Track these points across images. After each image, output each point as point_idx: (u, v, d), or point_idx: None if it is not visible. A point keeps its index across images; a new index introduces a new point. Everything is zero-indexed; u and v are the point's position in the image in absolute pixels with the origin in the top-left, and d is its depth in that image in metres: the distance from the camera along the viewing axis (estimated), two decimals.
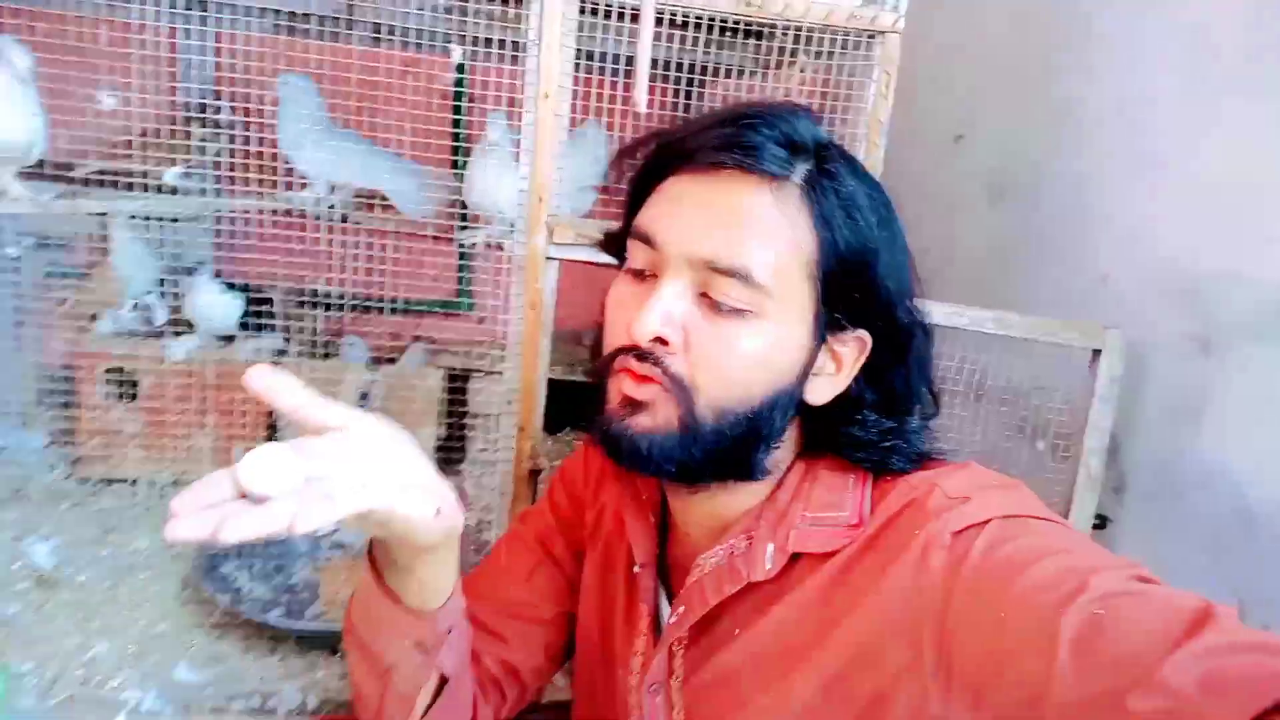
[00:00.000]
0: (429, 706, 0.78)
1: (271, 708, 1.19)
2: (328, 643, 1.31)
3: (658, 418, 0.66)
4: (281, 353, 1.80)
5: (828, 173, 0.67)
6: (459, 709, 0.81)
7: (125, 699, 1.16)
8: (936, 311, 1.23)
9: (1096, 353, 1.23)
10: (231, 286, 1.76)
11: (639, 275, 0.70)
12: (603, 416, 0.69)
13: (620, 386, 0.68)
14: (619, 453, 0.68)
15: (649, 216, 0.69)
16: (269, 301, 1.83)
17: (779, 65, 1.50)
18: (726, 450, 0.67)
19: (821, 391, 0.70)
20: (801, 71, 1.27)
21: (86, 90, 1.48)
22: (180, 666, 1.23)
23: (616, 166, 0.79)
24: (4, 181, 1.34)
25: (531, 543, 0.93)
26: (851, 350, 0.70)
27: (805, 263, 0.66)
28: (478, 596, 0.88)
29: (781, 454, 0.72)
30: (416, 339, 1.98)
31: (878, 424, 0.70)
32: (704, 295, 0.66)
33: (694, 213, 0.66)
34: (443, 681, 0.77)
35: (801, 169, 0.66)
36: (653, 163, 0.71)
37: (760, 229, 0.65)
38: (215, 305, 1.72)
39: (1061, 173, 1.46)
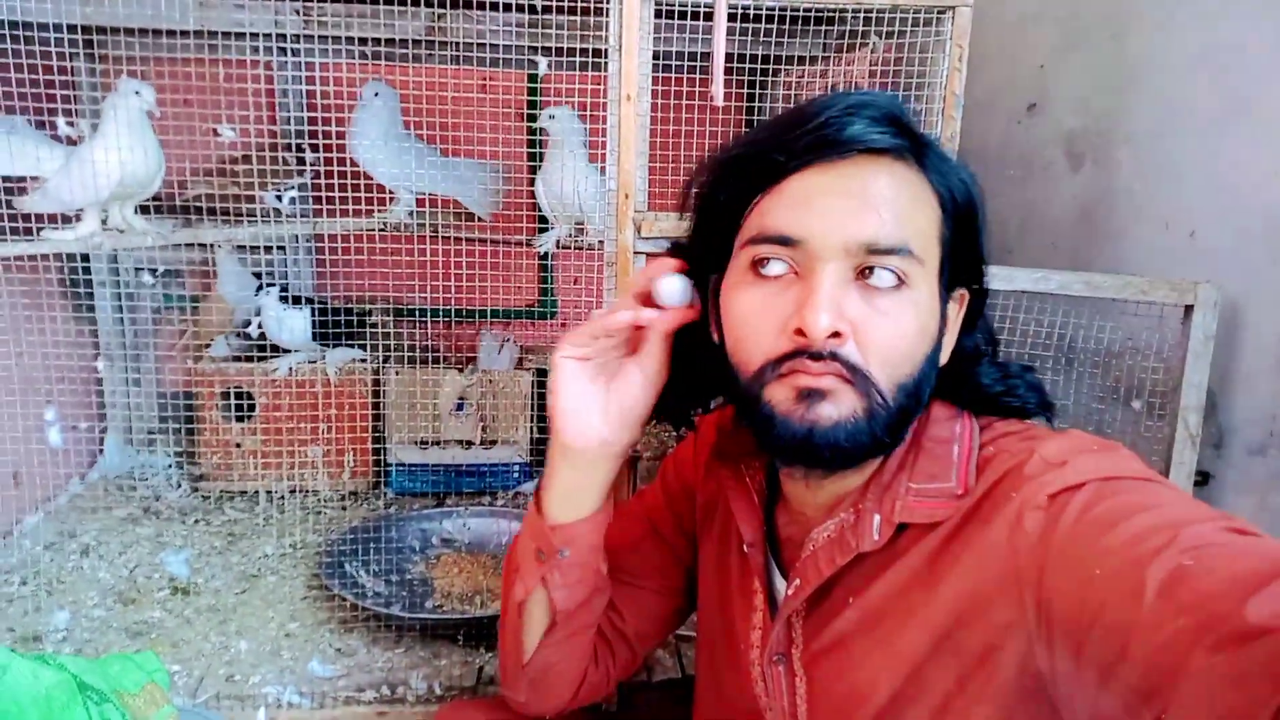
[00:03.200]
0: (542, 640, 0.86)
1: (400, 696, 1.26)
2: (447, 632, 1.38)
3: (842, 407, 0.66)
4: (361, 361, 1.89)
5: (925, 142, 0.69)
6: (572, 651, 0.88)
7: (266, 694, 1.25)
8: (1023, 278, 1.25)
9: (1189, 309, 1.22)
10: (310, 302, 1.84)
11: (762, 277, 0.69)
12: (776, 421, 0.67)
13: (795, 383, 0.66)
14: (807, 453, 0.67)
15: (780, 218, 0.68)
16: (369, 315, 1.92)
17: (849, 49, 1.52)
18: (900, 425, 0.69)
19: (945, 351, 0.73)
20: (873, 52, 1.29)
21: (192, 124, 1.59)
22: (313, 661, 1.31)
23: (689, 186, 0.79)
24: (128, 217, 1.45)
25: (642, 518, 0.97)
26: (955, 307, 0.73)
27: (937, 227, 0.68)
28: None
29: None
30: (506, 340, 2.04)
31: (990, 372, 0.75)
32: (858, 280, 0.66)
33: (838, 202, 0.66)
34: (555, 615, 0.85)
35: (906, 142, 0.68)
36: (753, 170, 0.70)
37: (905, 203, 0.66)
38: (284, 321, 1.80)
39: (1140, 131, 1.45)
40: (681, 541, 0.95)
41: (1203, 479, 1.26)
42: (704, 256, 0.76)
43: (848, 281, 0.66)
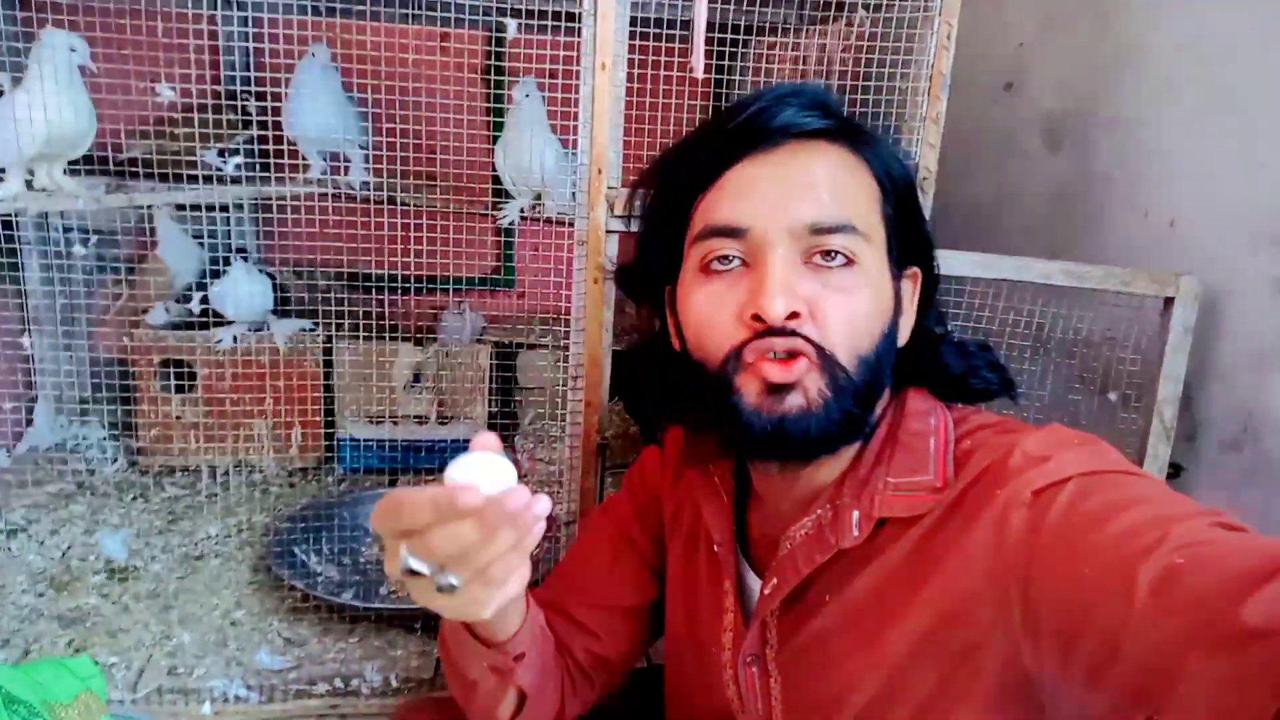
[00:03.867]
0: (514, 715, 0.82)
1: (355, 689, 1.21)
2: (403, 622, 1.33)
3: (810, 392, 0.66)
4: (311, 330, 1.81)
5: (855, 124, 0.72)
6: (543, 714, 0.84)
7: (211, 687, 1.18)
8: (1004, 264, 1.22)
9: (1169, 301, 1.21)
10: (268, 273, 1.76)
11: (711, 271, 0.70)
12: (744, 413, 0.67)
13: (762, 376, 0.66)
14: (780, 444, 0.67)
15: (723, 211, 0.69)
16: (314, 285, 1.84)
17: (824, 21, 1.47)
18: (863, 404, 0.69)
19: (904, 331, 0.74)
20: (850, 26, 1.24)
21: (126, 81, 1.48)
22: (261, 652, 1.25)
23: (632, 198, 0.81)
24: (56, 177, 1.34)
25: (612, 534, 0.94)
26: (909, 285, 0.75)
27: (877, 204, 0.70)
28: (564, 590, 0.91)
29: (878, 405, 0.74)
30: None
31: (952, 353, 0.75)
32: (807, 261, 0.68)
33: (777, 187, 0.68)
34: (524, 694, 0.80)
35: (838, 125, 0.70)
36: (694, 169, 0.72)
37: (842, 182, 0.68)
38: (249, 290, 1.73)
39: (1121, 117, 1.42)
40: (653, 549, 0.93)
41: (1174, 471, 1.26)
42: (655, 266, 0.77)
43: (797, 264, 0.67)
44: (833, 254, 0.67)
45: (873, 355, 0.68)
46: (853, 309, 0.67)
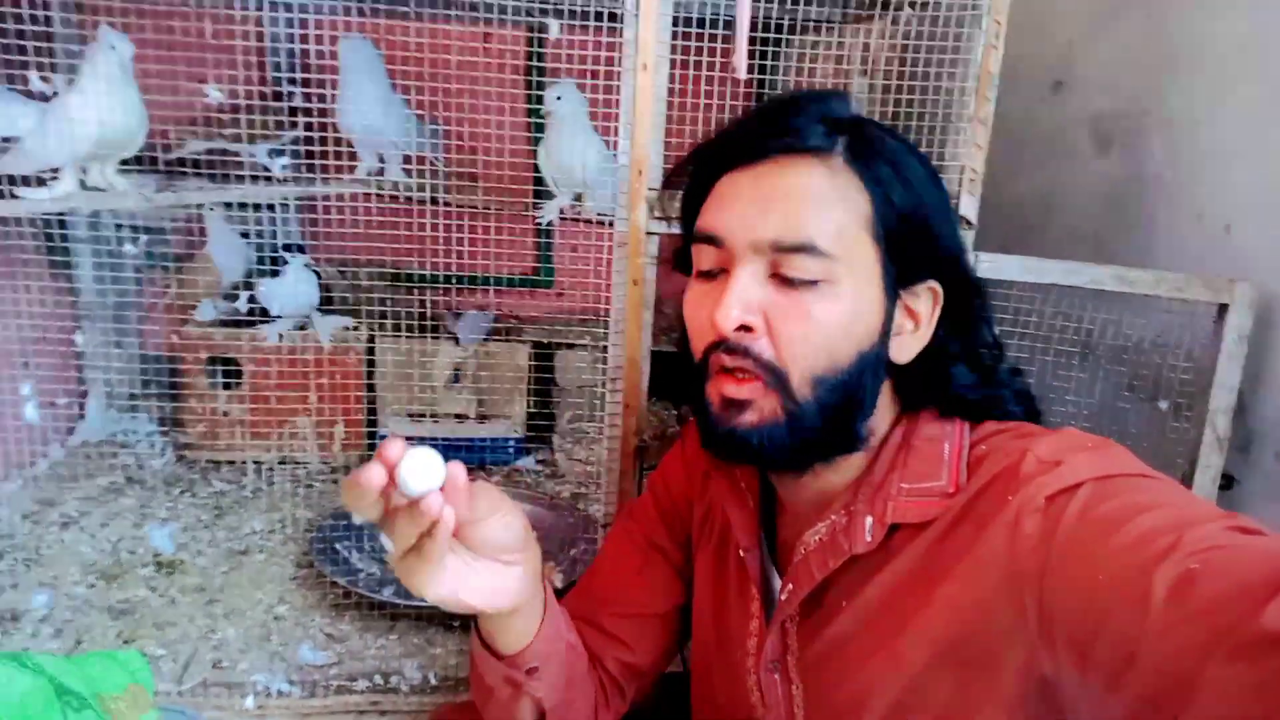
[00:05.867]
0: None
1: (394, 686, 1.22)
2: (442, 619, 1.34)
3: (763, 411, 0.69)
4: (354, 329, 1.83)
5: (867, 138, 0.70)
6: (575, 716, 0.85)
7: (254, 681, 1.20)
8: (1052, 269, 1.20)
9: (1223, 308, 1.18)
10: (314, 270, 1.78)
11: (709, 276, 0.72)
12: (709, 421, 0.72)
13: (720, 390, 0.70)
14: (731, 452, 0.72)
15: (708, 218, 0.72)
16: (359, 283, 1.86)
17: (868, 19, 1.45)
18: (830, 424, 0.69)
19: (906, 349, 0.72)
20: (905, 24, 1.22)
21: (175, 81, 1.50)
22: (304, 648, 1.26)
23: (669, 186, 0.84)
24: (108, 176, 1.37)
25: (639, 540, 0.95)
26: (925, 302, 0.72)
27: (865, 223, 0.68)
28: (593, 601, 0.92)
29: (878, 420, 0.74)
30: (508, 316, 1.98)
31: (967, 376, 0.73)
32: (776, 276, 0.68)
33: (750, 201, 0.69)
34: (542, 710, 0.82)
35: (842, 140, 0.69)
36: (699, 172, 0.75)
37: (815, 201, 0.68)
38: (299, 287, 1.76)
39: (1175, 117, 1.39)
40: (679, 553, 0.93)
41: (1227, 483, 1.22)
42: (683, 258, 0.79)
43: (763, 279, 0.68)
44: (797, 271, 0.67)
45: (838, 377, 0.69)
46: (811, 329, 0.68)
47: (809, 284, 0.67)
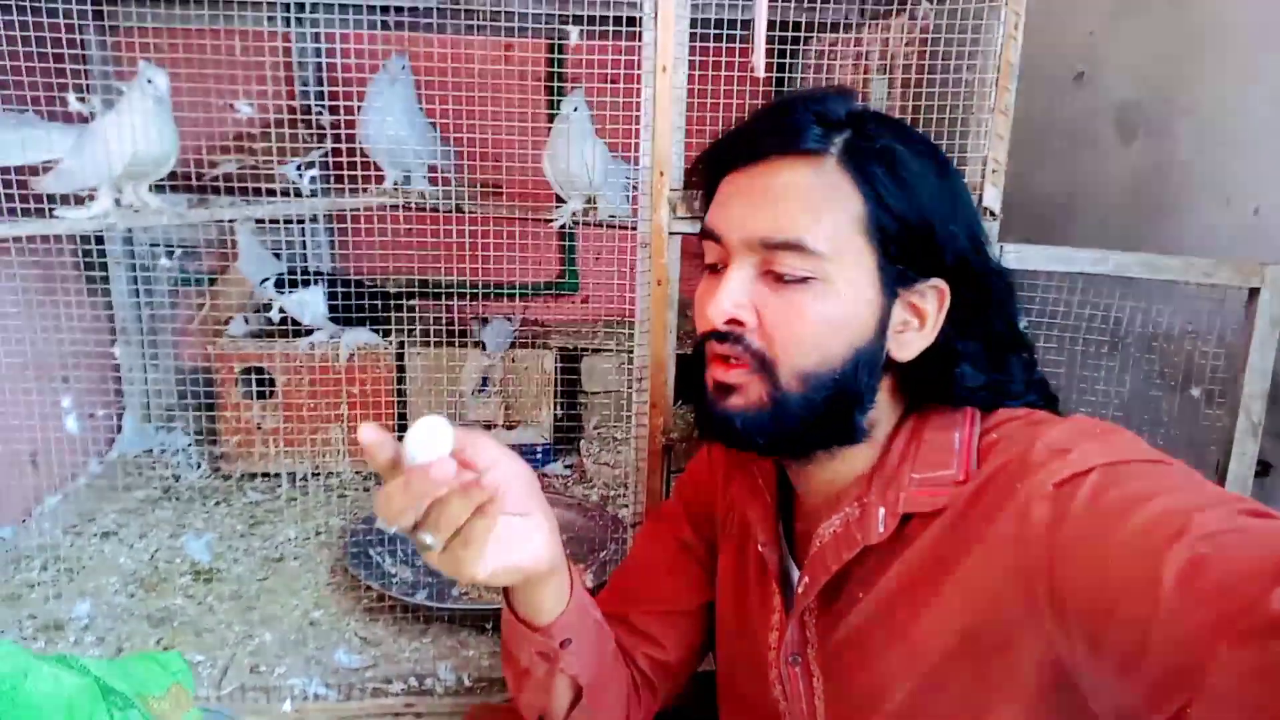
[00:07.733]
0: (570, 709, 0.84)
1: (429, 688, 1.23)
2: (475, 622, 1.35)
3: (749, 396, 0.71)
4: (383, 342, 1.84)
5: (865, 136, 0.71)
6: (605, 712, 0.86)
7: (291, 685, 1.22)
8: (1078, 257, 1.19)
9: (1254, 292, 1.16)
10: (319, 275, 1.80)
11: (714, 271, 0.75)
12: (703, 404, 0.75)
13: (713, 374, 0.73)
14: (715, 432, 0.75)
15: (711, 216, 0.75)
16: (386, 295, 1.88)
17: (886, 15, 1.45)
18: (821, 416, 0.71)
19: (910, 346, 0.73)
20: (924, 19, 1.22)
21: (207, 99, 1.53)
22: (339, 651, 1.28)
23: (689, 186, 0.88)
24: (142, 195, 1.40)
25: (667, 539, 0.96)
26: (931, 301, 0.72)
27: (858, 224, 0.69)
28: (624, 599, 0.93)
29: (881, 413, 0.74)
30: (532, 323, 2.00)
31: (975, 376, 0.72)
32: (768, 273, 0.71)
33: (744, 200, 0.72)
34: (579, 688, 0.82)
35: (838, 140, 0.71)
36: (707, 173, 0.78)
37: (804, 200, 0.69)
38: (304, 303, 1.77)
39: (1199, 103, 1.38)
40: (706, 553, 0.95)
41: (1263, 469, 1.20)
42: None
43: (756, 275, 0.71)
44: (787, 269, 0.69)
45: (829, 373, 0.70)
46: (801, 325, 0.69)
47: (800, 281, 0.69)
